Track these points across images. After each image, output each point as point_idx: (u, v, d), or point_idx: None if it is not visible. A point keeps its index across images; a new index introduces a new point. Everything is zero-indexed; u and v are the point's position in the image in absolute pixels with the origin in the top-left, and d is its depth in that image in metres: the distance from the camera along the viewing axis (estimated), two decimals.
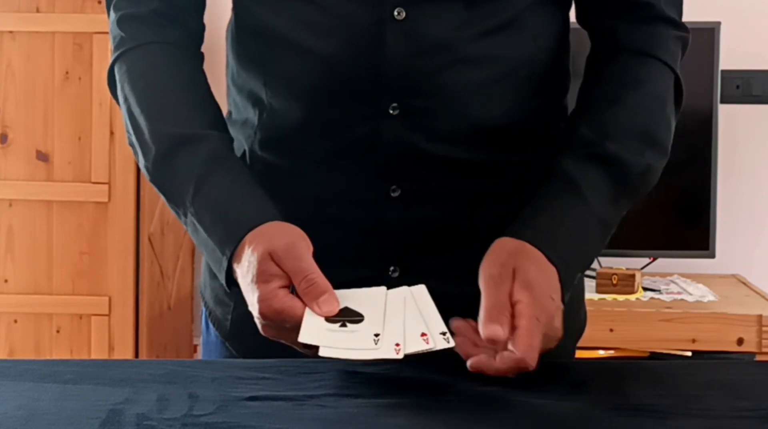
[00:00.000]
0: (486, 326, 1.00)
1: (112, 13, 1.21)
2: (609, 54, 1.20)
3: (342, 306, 1.01)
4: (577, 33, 1.25)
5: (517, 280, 1.04)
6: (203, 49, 1.24)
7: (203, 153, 1.12)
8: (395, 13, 1.11)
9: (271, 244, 1.04)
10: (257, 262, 1.03)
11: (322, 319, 0.99)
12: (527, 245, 1.07)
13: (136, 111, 1.15)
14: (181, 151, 1.12)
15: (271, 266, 1.02)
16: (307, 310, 1.00)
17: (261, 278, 1.02)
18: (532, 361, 0.99)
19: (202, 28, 1.24)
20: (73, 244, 2.64)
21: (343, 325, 0.99)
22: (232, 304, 1.23)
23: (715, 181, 2.75)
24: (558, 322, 1.05)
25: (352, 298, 1.02)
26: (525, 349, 0.99)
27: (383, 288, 1.05)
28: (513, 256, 1.06)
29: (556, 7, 1.20)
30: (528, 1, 1.16)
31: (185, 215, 1.12)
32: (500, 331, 0.99)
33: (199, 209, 1.10)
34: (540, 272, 1.05)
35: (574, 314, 1.29)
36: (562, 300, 1.07)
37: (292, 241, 1.04)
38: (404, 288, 1.05)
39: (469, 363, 1.00)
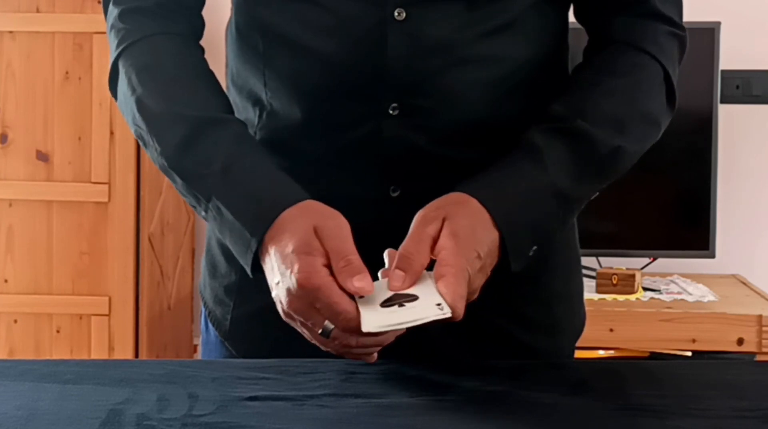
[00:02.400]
0: (392, 273, 1.00)
1: (112, 8, 1.20)
2: (599, 45, 1.21)
3: (391, 294, 0.99)
4: (577, 33, 1.25)
5: (445, 227, 1.03)
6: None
7: (228, 135, 1.10)
8: (396, 13, 1.11)
9: (317, 219, 1.02)
10: (302, 233, 1.00)
11: (378, 306, 0.98)
12: (472, 200, 1.06)
13: (148, 100, 1.13)
14: (205, 133, 1.10)
15: (315, 241, 1.00)
16: (360, 304, 0.98)
17: (303, 249, 1.00)
18: (459, 310, 0.97)
19: (202, 24, 1.24)
20: (73, 244, 2.64)
21: (401, 306, 0.98)
22: (231, 304, 1.23)
23: (715, 181, 2.75)
24: (477, 284, 1.03)
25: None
26: (452, 298, 0.97)
27: (426, 272, 1.03)
28: (451, 205, 1.05)
29: (555, 8, 1.21)
30: (528, 2, 1.16)
31: (207, 200, 1.08)
32: (401, 279, 0.99)
33: (227, 191, 1.07)
34: (472, 226, 1.04)
35: (574, 313, 1.29)
36: (508, 267, 1.06)
37: (339, 221, 1.03)
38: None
39: None
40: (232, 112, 1.17)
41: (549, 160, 1.10)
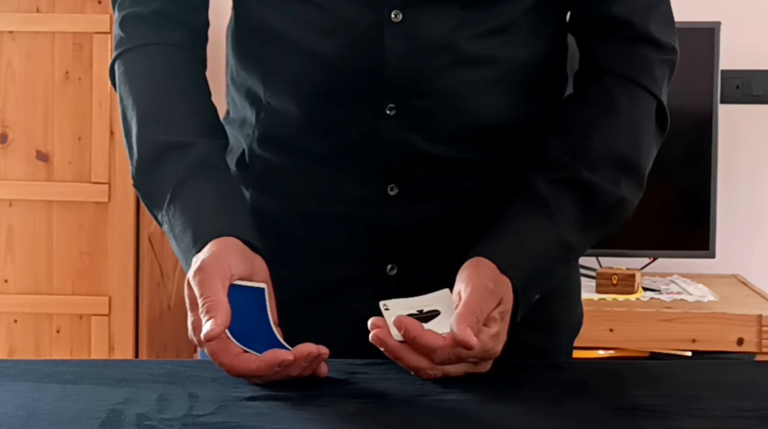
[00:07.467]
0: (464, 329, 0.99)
1: (116, 12, 1.22)
2: (592, 75, 1.20)
3: (416, 309, 1.04)
4: None
5: (498, 311, 1.05)
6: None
7: (186, 161, 1.11)
8: (392, 15, 1.12)
9: (199, 263, 1.02)
10: (187, 281, 1.02)
11: (403, 310, 1.02)
12: (504, 279, 1.07)
13: (130, 114, 1.16)
14: (165, 158, 1.12)
15: (190, 292, 1.02)
16: (387, 315, 1.02)
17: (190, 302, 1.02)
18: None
19: (206, 24, 1.24)
20: (73, 244, 2.64)
21: (424, 321, 1.02)
22: None
23: (715, 181, 2.74)
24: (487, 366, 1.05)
25: (423, 301, 1.05)
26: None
27: (446, 290, 1.06)
28: (498, 286, 1.06)
29: (553, 10, 1.20)
30: (525, 4, 1.16)
31: (161, 224, 1.12)
32: (473, 339, 0.99)
33: (172, 217, 1.10)
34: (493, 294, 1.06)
35: (572, 311, 1.30)
36: (513, 319, 1.08)
37: (213, 265, 1.02)
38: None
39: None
40: (211, 131, 1.16)
41: (559, 216, 1.12)
